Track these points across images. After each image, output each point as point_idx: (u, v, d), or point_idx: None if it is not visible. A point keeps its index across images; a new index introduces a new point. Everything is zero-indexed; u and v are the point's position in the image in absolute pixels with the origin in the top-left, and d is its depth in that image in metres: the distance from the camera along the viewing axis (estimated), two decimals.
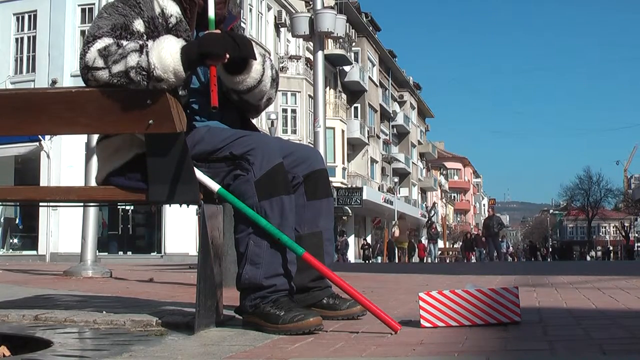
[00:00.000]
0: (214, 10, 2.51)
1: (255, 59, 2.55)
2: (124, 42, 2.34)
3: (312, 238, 2.61)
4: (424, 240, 47.80)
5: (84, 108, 2.37)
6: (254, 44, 2.54)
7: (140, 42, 2.34)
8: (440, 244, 42.67)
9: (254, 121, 2.83)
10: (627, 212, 64.16)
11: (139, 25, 2.46)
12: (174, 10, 2.55)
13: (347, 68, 38.40)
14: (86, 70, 2.35)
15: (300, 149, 2.68)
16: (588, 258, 52.62)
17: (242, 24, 22.98)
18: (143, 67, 2.28)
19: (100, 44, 2.35)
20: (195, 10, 2.56)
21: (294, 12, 27.11)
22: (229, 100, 2.65)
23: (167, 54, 2.30)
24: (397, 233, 31.07)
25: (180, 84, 2.39)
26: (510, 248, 40.37)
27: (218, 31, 2.45)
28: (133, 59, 2.29)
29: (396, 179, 47.71)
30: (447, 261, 35.82)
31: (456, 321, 2.38)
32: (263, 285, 2.39)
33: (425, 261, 32.20)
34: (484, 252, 28.77)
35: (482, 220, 30.12)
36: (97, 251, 6.96)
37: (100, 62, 2.32)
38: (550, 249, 55.42)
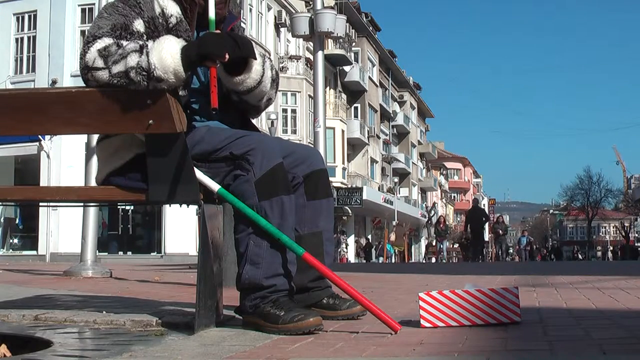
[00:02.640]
0: (214, 11, 2.51)
1: (256, 59, 2.55)
2: (124, 43, 2.34)
3: (312, 238, 2.61)
4: (424, 241, 47.77)
5: (84, 108, 2.37)
6: (253, 44, 2.54)
7: (140, 43, 2.34)
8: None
9: (254, 121, 2.83)
10: (627, 212, 64.15)
11: (139, 25, 2.46)
12: (174, 10, 2.55)
13: (347, 68, 38.40)
14: (86, 70, 2.35)
15: (300, 149, 2.68)
16: (580, 257, 51.96)
17: (242, 24, 22.97)
18: (143, 68, 2.28)
19: (100, 44, 2.34)
20: (196, 10, 2.56)
21: (294, 12, 27.13)
22: (229, 100, 2.65)
23: (167, 55, 2.30)
24: (392, 237, 32.23)
25: (181, 84, 2.39)
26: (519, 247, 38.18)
27: (218, 31, 2.45)
28: (133, 60, 2.29)
29: (396, 179, 47.72)
30: (456, 260, 35.29)
31: (456, 321, 2.38)
32: (263, 285, 2.39)
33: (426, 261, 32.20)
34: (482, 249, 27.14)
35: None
36: (97, 251, 6.95)
37: (100, 63, 2.32)
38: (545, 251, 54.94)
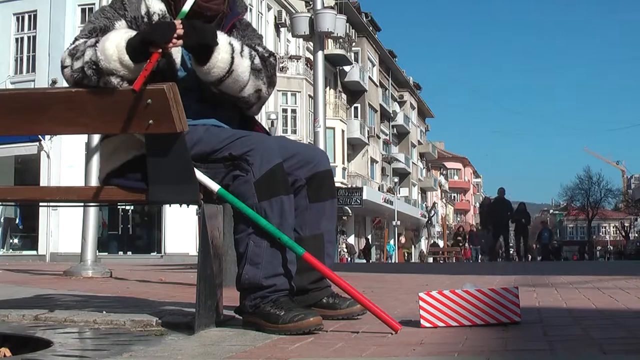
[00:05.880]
0: (190, 5, 2.47)
1: (215, 45, 2.41)
2: (90, 40, 2.36)
3: (313, 240, 2.59)
4: (424, 240, 47.92)
5: (84, 108, 2.37)
6: (219, 33, 2.44)
7: (98, 38, 2.35)
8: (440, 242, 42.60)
9: None
10: (627, 212, 64.09)
11: (120, 25, 2.47)
12: (157, 7, 2.54)
13: (347, 68, 38.40)
14: (61, 69, 2.39)
15: (306, 150, 2.65)
16: (587, 257, 51.62)
17: None
18: (93, 61, 2.29)
19: (73, 44, 2.39)
20: (181, 6, 2.54)
21: (294, 12, 27.11)
22: (222, 97, 2.60)
23: (110, 44, 2.29)
24: (403, 240, 33.55)
25: (134, 75, 2.30)
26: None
27: (178, 21, 2.41)
28: (88, 54, 2.32)
29: (396, 179, 47.71)
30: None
31: (456, 321, 2.38)
32: (263, 285, 2.39)
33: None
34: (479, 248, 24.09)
35: (484, 205, 21.93)
36: (97, 251, 6.95)
37: (68, 61, 2.36)
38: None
